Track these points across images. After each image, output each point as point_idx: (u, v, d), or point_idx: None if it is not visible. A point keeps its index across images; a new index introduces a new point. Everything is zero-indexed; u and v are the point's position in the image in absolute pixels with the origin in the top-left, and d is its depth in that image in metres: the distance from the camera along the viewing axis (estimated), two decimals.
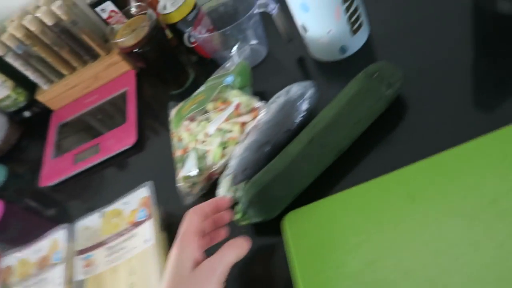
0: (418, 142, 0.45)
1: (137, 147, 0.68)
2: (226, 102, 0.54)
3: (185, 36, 0.62)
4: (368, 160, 0.47)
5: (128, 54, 0.62)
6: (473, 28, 0.51)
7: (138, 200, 0.53)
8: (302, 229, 0.44)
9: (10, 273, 0.56)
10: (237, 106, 0.53)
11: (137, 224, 0.52)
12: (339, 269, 0.39)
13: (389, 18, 0.58)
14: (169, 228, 0.54)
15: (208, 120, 0.54)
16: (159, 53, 0.63)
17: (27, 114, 0.86)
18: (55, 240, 0.56)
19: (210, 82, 0.58)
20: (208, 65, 0.69)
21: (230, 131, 0.52)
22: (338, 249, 0.40)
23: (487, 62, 0.48)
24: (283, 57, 0.65)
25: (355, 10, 0.52)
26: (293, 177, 0.45)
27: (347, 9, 0.51)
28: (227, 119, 0.52)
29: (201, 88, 0.58)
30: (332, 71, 0.58)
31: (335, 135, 0.46)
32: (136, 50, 0.61)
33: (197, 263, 0.38)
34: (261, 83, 0.63)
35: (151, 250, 0.48)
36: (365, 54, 0.57)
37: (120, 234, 0.52)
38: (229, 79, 0.55)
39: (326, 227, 0.42)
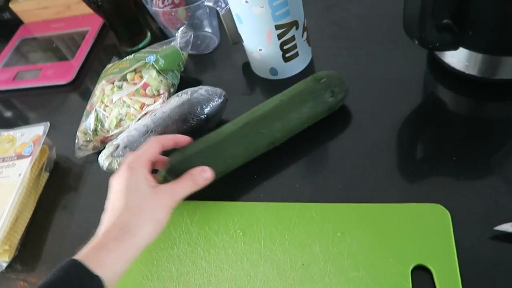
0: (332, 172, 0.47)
1: (71, 86, 0.70)
2: (141, 78, 0.56)
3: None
4: (286, 173, 0.48)
5: (86, 1, 0.63)
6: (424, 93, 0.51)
7: (31, 135, 0.56)
8: None
9: None
10: (144, 86, 0.54)
11: (20, 157, 0.55)
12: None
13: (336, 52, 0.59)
14: (56, 171, 0.57)
15: (120, 88, 0.56)
16: (115, 7, 0.64)
17: None
18: None
19: (141, 53, 0.59)
20: (165, 36, 0.70)
21: (129, 107, 0.53)
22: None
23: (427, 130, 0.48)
24: (232, 54, 0.65)
25: (290, 39, 0.53)
26: (220, 155, 0.45)
27: (280, 36, 0.52)
28: (132, 94, 0.54)
29: (131, 56, 0.60)
30: (264, 87, 0.59)
31: (270, 125, 0.46)
32: None
33: (151, 186, 0.39)
34: (200, 72, 0.64)
35: (17, 185, 0.51)
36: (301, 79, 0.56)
37: (4, 160, 0.55)
38: (152, 57, 0.56)
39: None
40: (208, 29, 0.65)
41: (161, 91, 0.54)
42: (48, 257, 0.50)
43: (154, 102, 0.53)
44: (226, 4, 0.56)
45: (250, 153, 0.47)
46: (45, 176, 0.56)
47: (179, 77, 0.59)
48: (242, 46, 0.60)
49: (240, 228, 0.44)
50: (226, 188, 0.48)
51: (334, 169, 0.48)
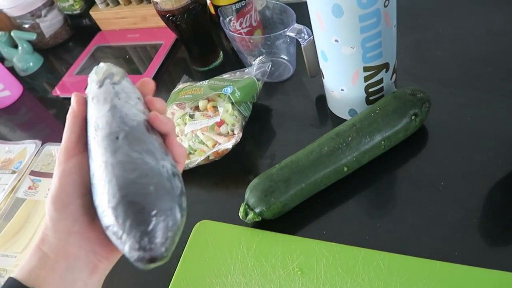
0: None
1: None
2: (216, 111, 0.53)
3: (222, 21, 0.60)
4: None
5: (162, 16, 0.62)
6: None
7: None
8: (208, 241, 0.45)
9: None
10: (219, 123, 0.51)
11: None
12: None
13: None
14: None
15: (191, 117, 0.54)
16: (192, 27, 0.62)
17: (79, 22, 0.90)
18: (25, 150, 0.60)
19: (215, 80, 0.57)
20: (237, 58, 0.68)
21: (202, 143, 0.51)
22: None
23: None
24: (306, 86, 0.61)
25: (377, 82, 0.48)
26: (302, 181, 0.44)
27: (367, 78, 0.47)
28: (206, 129, 0.51)
29: (205, 82, 0.57)
30: (335, 124, 0.54)
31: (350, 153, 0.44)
32: (170, 16, 0.60)
33: None
34: (270, 100, 0.61)
35: None
36: None
37: None
38: (229, 89, 0.53)
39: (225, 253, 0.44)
40: (284, 57, 0.62)
41: (235, 131, 0.51)
42: None
43: (228, 141, 0.50)
44: (310, 36, 0.52)
45: (326, 182, 0.45)
46: None
47: (251, 108, 0.56)
48: (319, 79, 0.56)
49: (298, 266, 0.41)
50: (288, 220, 0.46)
51: (405, 213, 0.43)
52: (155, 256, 0.24)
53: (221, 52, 0.70)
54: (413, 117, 0.45)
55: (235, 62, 0.69)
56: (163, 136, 0.29)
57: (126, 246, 0.24)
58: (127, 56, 0.78)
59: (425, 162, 0.47)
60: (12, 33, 0.80)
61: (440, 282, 0.37)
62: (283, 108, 0.60)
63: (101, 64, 0.31)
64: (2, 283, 0.46)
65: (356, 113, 0.51)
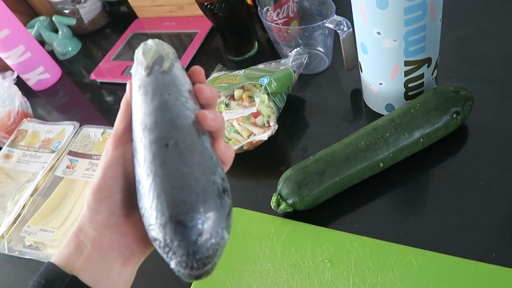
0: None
1: None
2: (251, 102, 0.53)
3: (259, 11, 0.60)
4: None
5: (200, 5, 0.62)
6: None
7: None
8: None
9: (22, 137, 0.64)
10: (255, 114, 0.52)
11: None
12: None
13: None
14: None
15: (227, 106, 0.54)
16: (229, 16, 0.63)
17: (116, 9, 0.92)
18: (64, 130, 0.62)
19: (251, 70, 0.57)
20: (272, 48, 0.67)
21: (238, 133, 0.51)
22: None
23: None
24: (341, 79, 0.61)
25: (418, 77, 0.46)
26: (337, 173, 0.43)
27: (407, 73, 0.46)
28: (241, 119, 0.52)
29: (240, 72, 0.58)
30: (369, 120, 0.53)
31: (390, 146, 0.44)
32: (208, 5, 0.61)
33: None
34: (304, 92, 0.60)
35: None
36: None
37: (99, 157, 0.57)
38: (265, 80, 0.53)
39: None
40: (320, 49, 0.61)
41: (271, 123, 0.51)
42: None
43: (263, 133, 0.50)
44: (349, 28, 0.51)
45: (360, 177, 0.45)
46: None
47: (285, 100, 0.56)
48: (355, 73, 0.55)
49: (328, 258, 0.41)
50: (318, 211, 0.45)
51: (440, 212, 0.42)
52: (200, 274, 0.24)
53: (256, 42, 0.70)
54: (454, 115, 0.44)
55: (269, 53, 0.69)
56: (212, 134, 0.28)
57: (172, 262, 0.24)
58: None
59: (464, 161, 0.46)
60: (53, 18, 0.83)
61: (475, 282, 0.36)
62: (317, 101, 0.59)
63: (149, 41, 0.28)
64: (40, 255, 0.48)
65: (393, 108, 0.50)
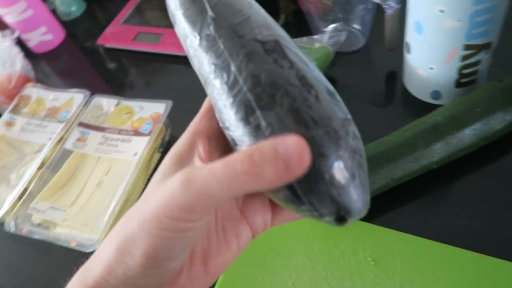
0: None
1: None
2: None
3: None
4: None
5: None
6: None
7: (151, 112, 0.52)
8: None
9: (25, 103, 0.59)
10: None
11: (137, 133, 0.51)
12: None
13: None
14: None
15: None
16: None
17: None
18: (72, 99, 0.57)
19: None
20: (301, 21, 0.62)
21: None
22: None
23: None
24: (377, 59, 0.57)
25: (474, 64, 0.43)
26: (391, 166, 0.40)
27: (464, 58, 0.42)
28: None
29: None
30: (406, 106, 0.50)
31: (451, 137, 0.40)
32: None
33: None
34: (334, 71, 0.56)
35: (131, 165, 0.48)
36: None
37: (120, 132, 0.52)
38: None
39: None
40: (357, 26, 0.57)
41: None
42: None
43: None
44: (397, 3, 0.47)
45: (411, 176, 0.41)
46: (157, 156, 0.52)
47: None
48: (393, 54, 0.51)
49: (371, 256, 0.38)
50: None
51: (495, 214, 0.39)
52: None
53: (283, 16, 0.65)
54: None
55: (297, 27, 0.64)
56: None
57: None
58: None
59: None
60: None
61: None
62: (348, 82, 0.55)
63: None
64: (50, 236, 0.44)
65: (440, 96, 0.47)
